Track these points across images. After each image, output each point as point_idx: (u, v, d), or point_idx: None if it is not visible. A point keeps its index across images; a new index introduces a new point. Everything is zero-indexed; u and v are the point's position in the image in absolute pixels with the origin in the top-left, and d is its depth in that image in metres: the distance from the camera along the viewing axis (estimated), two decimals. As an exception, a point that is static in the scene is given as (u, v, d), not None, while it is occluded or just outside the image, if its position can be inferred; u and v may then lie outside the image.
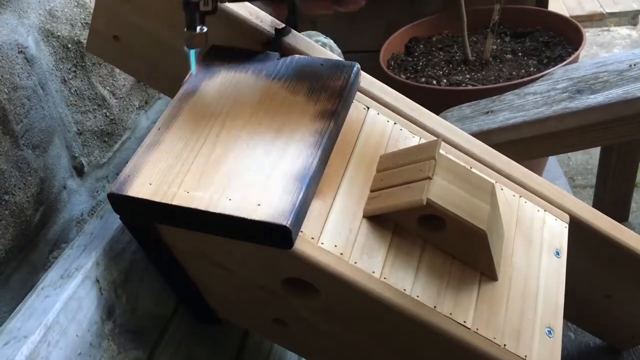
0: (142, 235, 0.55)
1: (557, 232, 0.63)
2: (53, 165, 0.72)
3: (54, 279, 0.49)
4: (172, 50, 0.66)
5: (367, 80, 0.63)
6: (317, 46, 0.64)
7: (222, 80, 0.60)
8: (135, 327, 0.53)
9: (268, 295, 0.56)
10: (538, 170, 1.37)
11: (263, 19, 0.62)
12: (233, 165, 0.52)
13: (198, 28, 0.55)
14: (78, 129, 0.78)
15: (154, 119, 0.97)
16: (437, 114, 1.02)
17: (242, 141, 0.54)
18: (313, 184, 0.52)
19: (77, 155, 0.78)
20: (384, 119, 0.62)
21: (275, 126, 0.55)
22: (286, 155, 0.53)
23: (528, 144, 0.89)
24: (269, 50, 0.62)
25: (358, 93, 0.62)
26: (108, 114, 0.84)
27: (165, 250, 0.56)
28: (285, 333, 0.62)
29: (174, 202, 0.50)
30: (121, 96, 0.86)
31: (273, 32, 0.62)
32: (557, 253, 0.62)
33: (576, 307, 0.64)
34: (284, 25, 0.62)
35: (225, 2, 0.56)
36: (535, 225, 0.63)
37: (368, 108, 0.62)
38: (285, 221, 0.48)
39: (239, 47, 0.62)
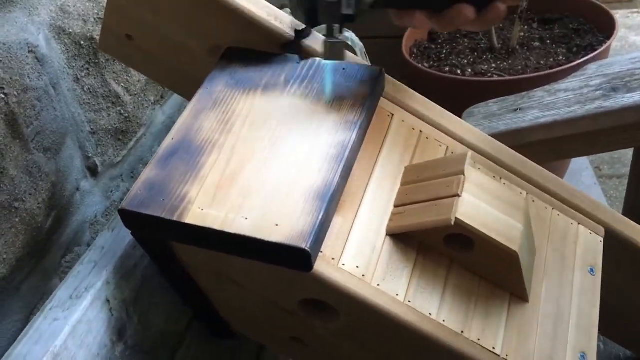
0: (155, 251, 0.53)
1: (592, 247, 0.60)
2: (65, 167, 0.70)
3: (63, 299, 0.47)
4: (186, 51, 0.63)
5: (392, 85, 0.60)
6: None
7: (239, 86, 0.57)
8: (147, 347, 0.51)
9: (285, 314, 0.54)
10: (564, 164, 1.32)
11: (282, 20, 0.59)
12: (249, 181, 0.49)
13: (338, 35, 0.51)
14: (91, 128, 0.76)
15: (169, 113, 0.94)
16: (463, 105, 0.98)
17: (260, 154, 0.51)
18: (334, 202, 0.49)
19: (90, 155, 0.76)
20: (410, 126, 0.58)
21: (294, 137, 0.52)
22: (306, 170, 0.50)
23: (559, 144, 0.84)
24: (288, 53, 0.59)
25: (382, 98, 0.59)
26: (122, 111, 0.81)
27: (178, 267, 0.53)
28: (303, 351, 0.59)
29: (187, 221, 0.47)
30: (136, 92, 0.84)
31: (293, 34, 0.58)
32: (592, 270, 0.58)
33: (607, 319, 0.61)
34: (304, 26, 0.59)
35: (367, 7, 0.50)
36: (569, 240, 0.59)
37: (393, 115, 0.58)
38: (305, 244, 0.45)
39: (257, 49, 0.59)
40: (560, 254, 0.57)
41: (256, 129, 0.53)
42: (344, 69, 0.57)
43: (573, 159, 1.43)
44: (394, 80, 0.61)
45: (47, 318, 0.46)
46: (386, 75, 0.59)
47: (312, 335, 0.56)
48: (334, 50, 0.52)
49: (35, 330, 0.45)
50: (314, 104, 0.54)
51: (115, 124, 0.80)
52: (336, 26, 0.50)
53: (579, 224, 0.60)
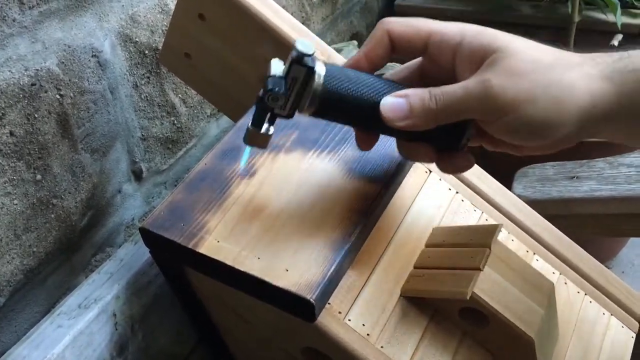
0: (169, 272, 0.53)
1: (621, 341, 0.56)
2: (110, 169, 0.72)
3: (72, 307, 0.48)
4: (240, 77, 0.64)
5: (435, 141, 0.58)
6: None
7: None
8: (146, 366, 0.52)
9: (287, 358, 0.53)
10: (619, 243, 1.25)
11: (335, 61, 0.58)
12: (270, 221, 0.49)
13: (264, 127, 0.45)
14: (142, 135, 0.78)
15: (224, 127, 0.96)
16: (520, 160, 0.94)
17: (285, 194, 0.51)
18: (350, 256, 0.48)
19: (137, 160, 0.78)
20: (446, 186, 0.57)
21: (323, 183, 0.52)
22: (327, 219, 0.49)
23: (612, 221, 0.80)
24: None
25: (422, 154, 0.57)
26: (176, 121, 0.83)
27: (190, 291, 0.54)
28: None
29: (201, 251, 0.47)
30: (192, 105, 0.85)
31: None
32: (617, 367, 0.55)
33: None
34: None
35: (305, 113, 0.44)
36: (597, 331, 0.56)
37: (430, 172, 0.57)
38: (310, 295, 0.44)
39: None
40: (584, 345, 0.54)
41: (287, 171, 0.53)
42: (387, 118, 0.56)
43: (629, 244, 1.35)
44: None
45: (53, 324, 0.47)
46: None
47: (311, 382, 0.55)
48: (256, 139, 0.46)
49: (39, 334, 0.46)
50: (349, 152, 0.54)
51: (166, 133, 0.82)
52: (266, 119, 0.45)
53: (611, 314, 0.57)
